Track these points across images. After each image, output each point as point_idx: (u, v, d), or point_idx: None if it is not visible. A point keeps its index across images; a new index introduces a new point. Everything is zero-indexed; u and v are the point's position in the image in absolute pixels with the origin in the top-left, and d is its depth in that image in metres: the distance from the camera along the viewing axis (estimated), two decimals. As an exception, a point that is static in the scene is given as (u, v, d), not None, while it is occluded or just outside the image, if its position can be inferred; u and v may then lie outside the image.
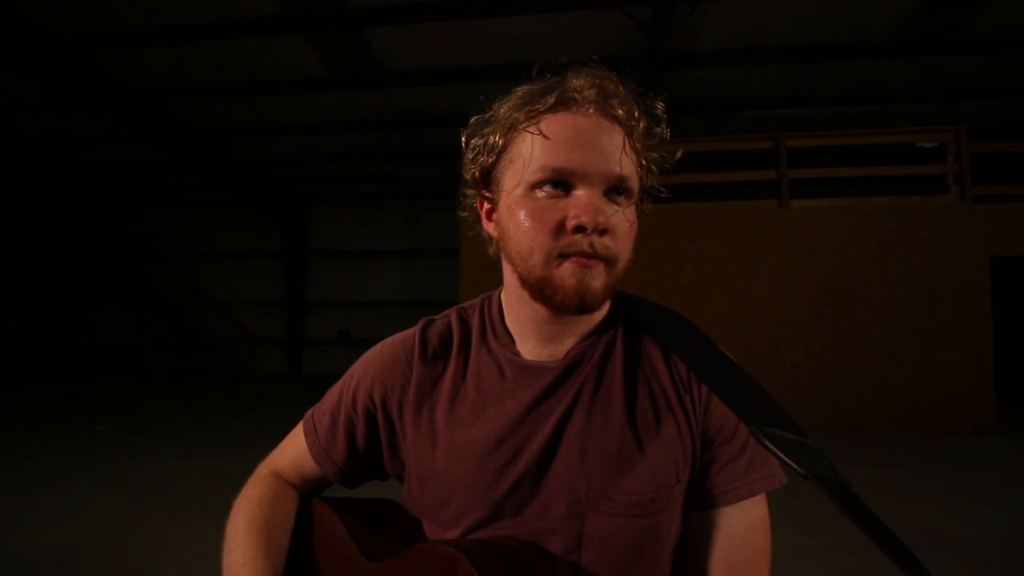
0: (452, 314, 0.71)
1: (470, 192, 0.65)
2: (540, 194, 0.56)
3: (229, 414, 6.53)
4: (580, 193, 0.55)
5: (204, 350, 11.23)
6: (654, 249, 5.75)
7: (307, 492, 0.71)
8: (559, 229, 0.55)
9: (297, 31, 5.50)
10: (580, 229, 0.54)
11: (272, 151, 8.83)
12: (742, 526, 0.59)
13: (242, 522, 0.64)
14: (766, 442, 0.46)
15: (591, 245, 0.54)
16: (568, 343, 0.63)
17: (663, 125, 0.61)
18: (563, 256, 0.55)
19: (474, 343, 0.67)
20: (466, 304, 0.72)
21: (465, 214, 0.67)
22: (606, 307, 0.66)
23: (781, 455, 0.45)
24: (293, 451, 0.72)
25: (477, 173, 0.62)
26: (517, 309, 0.64)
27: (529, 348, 0.64)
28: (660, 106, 0.61)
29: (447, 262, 9.66)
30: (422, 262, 10.93)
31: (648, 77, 6.06)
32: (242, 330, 11.39)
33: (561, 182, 0.55)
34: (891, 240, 5.56)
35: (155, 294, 11.44)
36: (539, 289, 0.57)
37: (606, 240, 0.55)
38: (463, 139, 0.63)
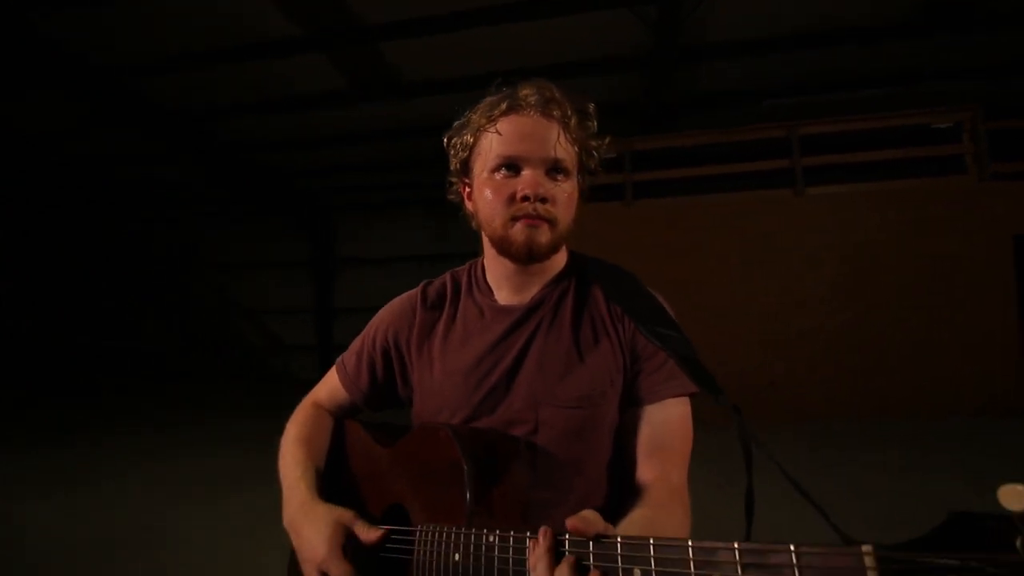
0: (447, 275, 0.94)
1: (454, 180, 0.87)
2: (498, 176, 0.77)
3: (261, 416, 6.84)
4: (526, 173, 0.76)
5: (236, 355, 11.73)
6: (671, 242, 5.86)
7: (340, 416, 0.94)
8: (512, 199, 0.76)
9: (317, 48, 5.81)
10: (526, 198, 0.75)
11: (299, 163, 9.23)
12: (661, 418, 0.78)
13: (292, 434, 0.89)
14: (643, 331, 0.66)
15: (535, 210, 0.75)
16: (533, 290, 0.84)
17: (593, 120, 0.81)
18: (515, 219, 0.76)
19: (463, 295, 0.89)
20: (457, 268, 0.94)
21: (452, 197, 0.89)
22: (563, 262, 0.86)
23: (651, 337, 0.65)
24: (329, 385, 0.96)
25: (458, 164, 0.84)
26: (493, 265, 0.86)
27: (504, 295, 0.85)
28: (591, 106, 0.81)
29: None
30: (444, 267, 11.08)
31: (660, 73, 6.19)
32: (273, 337, 11.86)
33: (512, 165, 0.77)
34: (909, 222, 5.54)
35: (190, 302, 12.01)
36: (501, 245, 0.79)
37: (548, 206, 0.76)
38: (446, 140, 0.85)
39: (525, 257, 0.77)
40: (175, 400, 8.33)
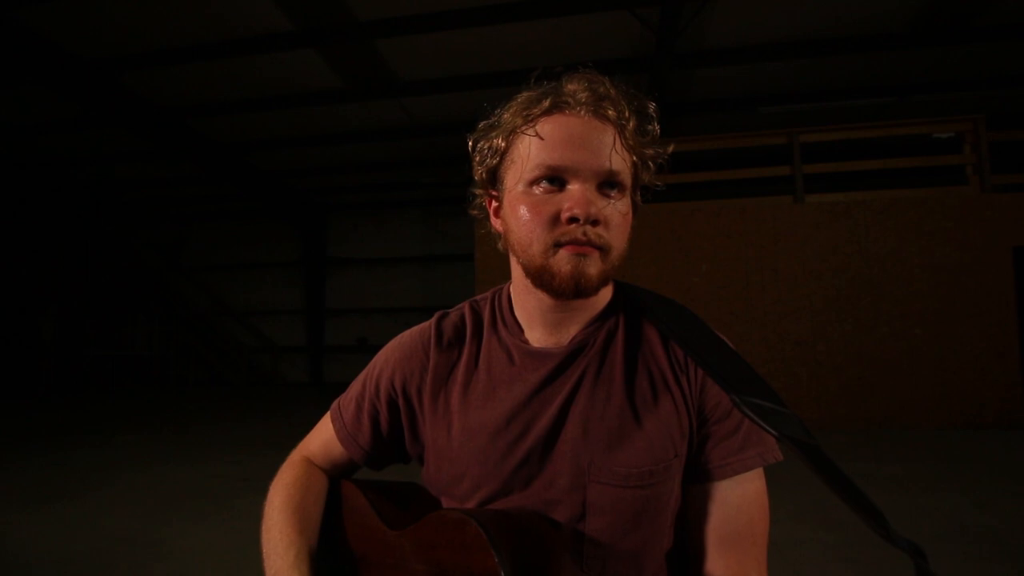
0: (465, 306, 0.76)
1: (479, 192, 0.71)
2: (538, 190, 0.61)
3: (253, 420, 6.67)
4: (573, 187, 0.60)
5: (228, 358, 11.47)
6: (670, 248, 5.75)
7: (336, 475, 0.77)
8: (555, 220, 0.60)
9: (310, 45, 5.64)
10: (573, 220, 0.59)
11: (291, 162, 9.03)
12: (737, 498, 0.63)
13: (279, 503, 0.71)
14: (745, 408, 0.50)
15: (584, 234, 0.59)
16: (573, 330, 0.68)
17: (654, 123, 0.65)
18: (559, 245, 0.60)
19: (486, 332, 0.72)
20: (478, 297, 0.77)
21: (475, 212, 0.73)
22: (608, 296, 0.70)
23: (757, 419, 0.49)
24: (322, 437, 0.78)
25: (484, 174, 0.68)
26: (524, 299, 0.69)
27: (536, 336, 0.69)
28: (651, 106, 0.65)
29: (464, 267, 9.76)
30: (439, 268, 11.04)
31: (660, 77, 6.08)
32: (264, 339, 11.62)
33: (556, 178, 0.60)
34: (910, 233, 5.48)
35: (181, 305, 11.74)
36: (539, 276, 0.62)
37: (599, 230, 0.60)
38: (470, 143, 0.69)
39: (571, 292, 0.61)
40: (166, 405, 8.11)
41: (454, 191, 9.53)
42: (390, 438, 0.73)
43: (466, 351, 0.71)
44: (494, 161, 0.66)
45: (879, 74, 6.33)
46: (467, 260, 6.41)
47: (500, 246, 0.70)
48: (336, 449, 0.76)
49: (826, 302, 5.54)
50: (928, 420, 5.23)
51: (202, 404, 8.25)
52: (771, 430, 0.48)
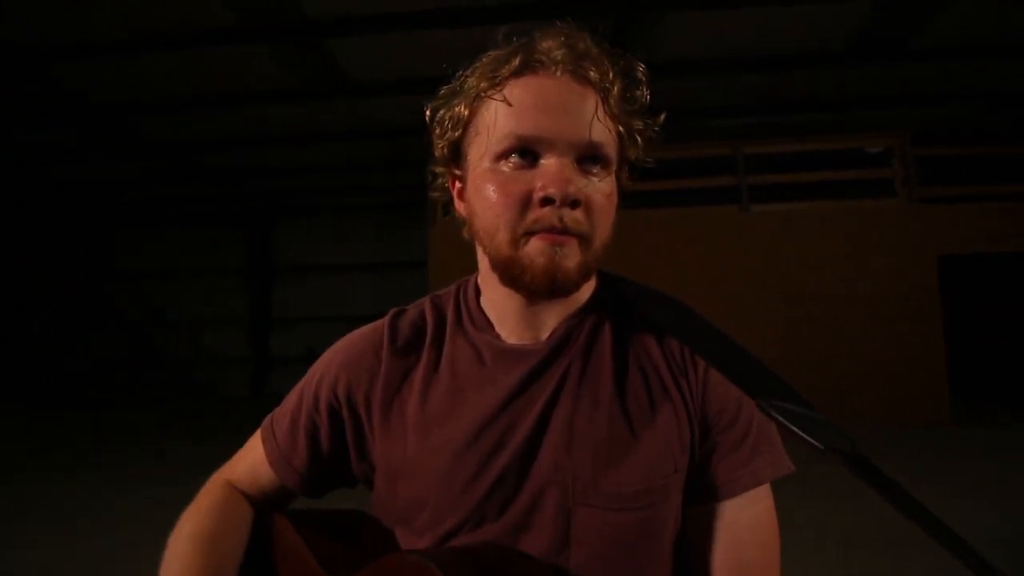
0: (425, 302, 0.66)
1: (440, 170, 0.60)
2: (506, 166, 0.52)
3: (189, 440, 6.23)
4: (548, 162, 0.51)
5: (164, 373, 10.76)
6: (613, 257, 5.77)
7: (265, 506, 0.64)
8: (526, 202, 0.51)
9: (257, 41, 5.39)
10: (548, 201, 0.50)
11: (236, 164, 8.61)
12: (748, 520, 0.54)
13: (187, 532, 0.58)
14: (777, 416, 0.42)
15: (561, 219, 0.50)
16: (551, 324, 0.58)
17: (643, 89, 0.57)
18: (530, 233, 0.51)
19: (449, 331, 0.61)
20: (440, 292, 0.67)
21: (437, 194, 0.62)
22: (591, 286, 0.61)
23: (797, 429, 0.41)
24: (249, 461, 0.65)
25: (446, 149, 0.58)
26: (493, 291, 0.59)
27: (509, 331, 0.59)
28: (640, 68, 0.57)
29: (418, 274, 9.54)
30: (392, 275, 10.77)
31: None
32: (204, 351, 10.98)
33: (528, 151, 0.51)
34: (846, 242, 5.76)
35: (112, 314, 10.94)
36: (507, 270, 0.53)
37: (578, 214, 0.51)
38: (428, 113, 0.59)
39: (545, 289, 0.52)
40: (95, 426, 7.45)
41: (408, 196, 9.34)
42: (331, 459, 0.61)
43: (426, 353, 0.60)
44: (456, 133, 0.56)
45: (817, 91, 6.65)
46: (422, 267, 6.27)
47: (465, 233, 0.60)
48: (266, 474, 0.63)
49: (768, 309, 5.71)
50: (861, 422, 5.42)
51: (135, 423, 7.64)
52: (817, 443, 0.40)
